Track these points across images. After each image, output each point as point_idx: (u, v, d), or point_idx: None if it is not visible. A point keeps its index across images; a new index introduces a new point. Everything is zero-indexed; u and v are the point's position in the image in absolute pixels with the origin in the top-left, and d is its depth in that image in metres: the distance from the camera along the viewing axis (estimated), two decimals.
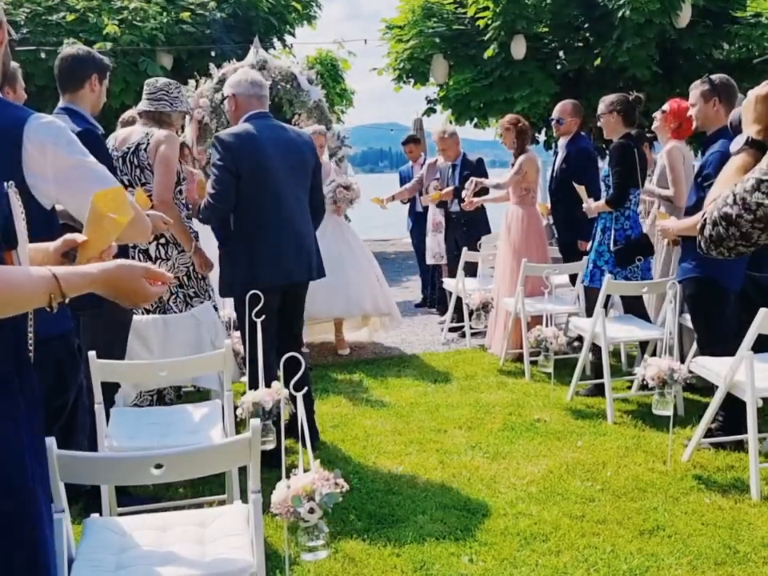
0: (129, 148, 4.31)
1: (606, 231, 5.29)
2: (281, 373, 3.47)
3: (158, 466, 2.00)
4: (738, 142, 2.13)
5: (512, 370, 6.13)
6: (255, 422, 2.14)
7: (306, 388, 2.65)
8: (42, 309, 1.81)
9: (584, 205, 5.51)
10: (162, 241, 4.42)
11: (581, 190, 5.56)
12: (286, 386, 3.11)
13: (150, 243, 4.38)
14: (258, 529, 2.21)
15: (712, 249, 1.82)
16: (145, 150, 4.27)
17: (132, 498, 3.67)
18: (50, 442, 1.98)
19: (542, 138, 13.58)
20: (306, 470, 2.56)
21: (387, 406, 5.29)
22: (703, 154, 4.44)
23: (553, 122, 6.32)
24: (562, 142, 6.31)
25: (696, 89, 4.48)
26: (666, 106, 5.58)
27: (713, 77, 4.45)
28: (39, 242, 1.89)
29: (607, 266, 5.25)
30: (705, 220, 1.82)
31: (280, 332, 4.22)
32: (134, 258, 4.34)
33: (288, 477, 2.51)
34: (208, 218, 4.23)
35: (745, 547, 3.30)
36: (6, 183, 1.61)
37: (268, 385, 3.33)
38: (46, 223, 2.28)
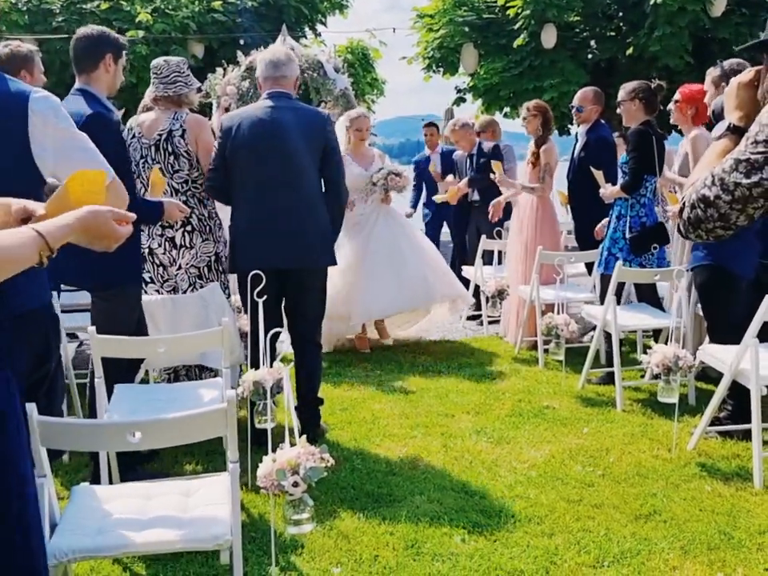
0: (160, 135, 4.28)
1: (621, 218, 5.25)
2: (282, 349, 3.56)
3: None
4: (719, 128, 2.12)
5: (526, 358, 6.12)
6: (230, 393, 2.18)
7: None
8: (21, 281, 1.88)
9: (601, 190, 5.47)
10: (189, 228, 4.40)
11: (598, 175, 5.51)
12: (271, 361, 3.19)
13: (176, 230, 4.38)
14: (236, 498, 2.25)
15: (690, 231, 1.83)
16: (181, 136, 4.25)
17: (137, 473, 3.73)
18: (31, 408, 2.05)
19: (573, 129, 13.47)
20: (292, 445, 2.61)
21: (397, 390, 5.31)
22: None
23: (573, 110, 6.26)
24: (582, 129, 6.23)
25: (708, 75, 4.45)
26: (677, 95, 5.47)
27: (724, 63, 4.41)
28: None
29: (622, 254, 5.21)
30: (684, 203, 1.83)
31: (288, 313, 4.30)
32: (160, 245, 4.39)
33: (275, 451, 2.57)
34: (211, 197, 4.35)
35: (740, 534, 3.28)
36: None
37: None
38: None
